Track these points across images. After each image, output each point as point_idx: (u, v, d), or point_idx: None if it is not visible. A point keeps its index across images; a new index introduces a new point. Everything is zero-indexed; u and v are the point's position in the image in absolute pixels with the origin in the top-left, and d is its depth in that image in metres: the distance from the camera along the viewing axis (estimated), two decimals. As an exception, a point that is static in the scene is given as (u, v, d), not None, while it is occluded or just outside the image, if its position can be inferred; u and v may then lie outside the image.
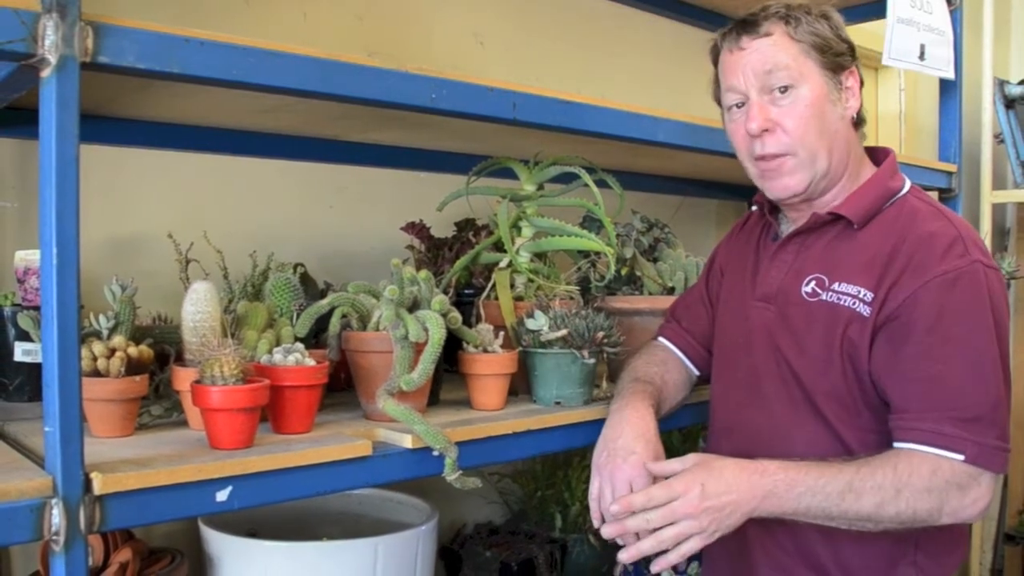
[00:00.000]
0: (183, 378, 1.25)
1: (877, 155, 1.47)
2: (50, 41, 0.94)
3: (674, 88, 2.58)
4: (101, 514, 0.99)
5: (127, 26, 1.01)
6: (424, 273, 1.39)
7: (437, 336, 1.30)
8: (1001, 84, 3.04)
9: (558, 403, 1.52)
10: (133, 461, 1.06)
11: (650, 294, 1.82)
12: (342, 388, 1.58)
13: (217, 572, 1.48)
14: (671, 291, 1.83)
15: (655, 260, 1.89)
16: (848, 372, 1.33)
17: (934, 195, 2.32)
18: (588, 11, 2.51)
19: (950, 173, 2.45)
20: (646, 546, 1.24)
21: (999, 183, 3.11)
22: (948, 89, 2.48)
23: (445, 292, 1.47)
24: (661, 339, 1.65)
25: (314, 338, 1.45)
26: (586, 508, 2.01)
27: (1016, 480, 3.36)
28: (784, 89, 1.35)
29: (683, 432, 2.34)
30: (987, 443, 1.24)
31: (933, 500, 1.23)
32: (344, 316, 1.42)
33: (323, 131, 1.79)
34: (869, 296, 1.32)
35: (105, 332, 1.26)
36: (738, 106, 1.41)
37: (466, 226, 1.91)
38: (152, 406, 1.32)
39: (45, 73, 0.95)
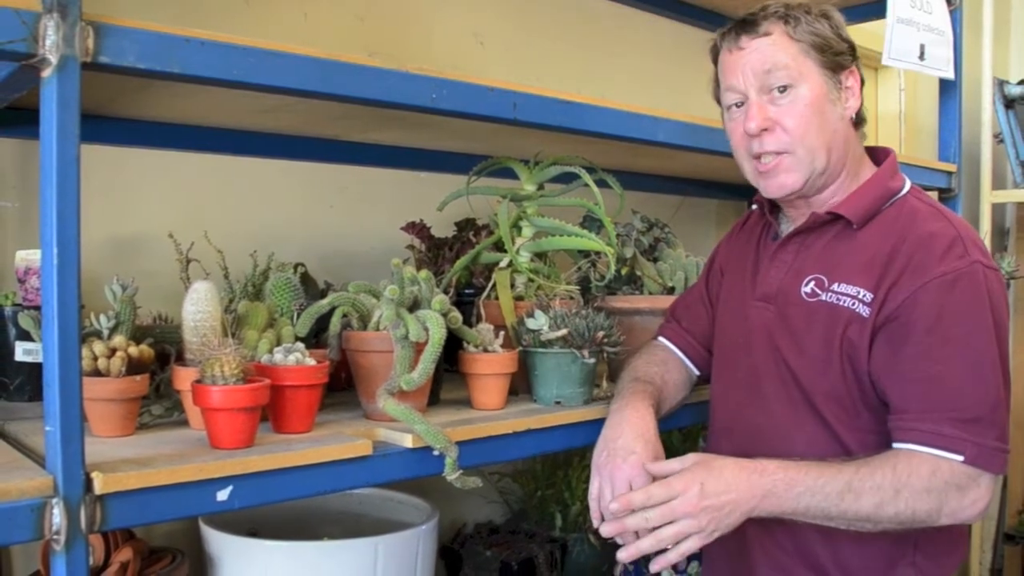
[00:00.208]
0: (184, 378, 1.25)
1: (877, 155, 1.47)
2: (51, 41, 0.94)
3: (674, 88, 2.58)
4: (102, 513, 0.99)
5: (128, 26, 1.01)
6: (424, 273, 1.39)
7: (437, 336, 1.30)
8: (1001, 84, 3.04)
9: (558, 403, 1.52)
10: (134, 461, 1.06)
11: (650, 294, 1.82)
12: (342, 388, 1.58)
13: (218, 572, 1.48)
14: (671, 291, 1.83)
15: (655, 260, 1.89)
16: (847, 373, 1.33)
17: (934, 195, 2.32)
18: (588, 11, 2.51)
19: (950, 173, 2.45)
20: (645, 545, 1.24)
21: (999, 183, 3.12)
22: (948, 89, 2.48)
23: (445, 292, 1.47)
24: (661, 339, 1.65)
25: (314, 338, 1.45)
26: (586, 508, 2.01)
27: (1016, 480, 3.36)
28: (783, 89, 1.35)
29: (683, 432, 2.34)
30: (986, 444, 1.24)
31: (932, 501, 1.23)
32: (344, 316, 1.42)
33: (323, 131, 1.80)
34: (868, 296, 1.32)
35: (106, 332, 1.26)
36: (737, 105, 1.41)
37: (466, 226, 1.92)
38: (153, 406, 1.32)
39: (46, 73, 0.95)
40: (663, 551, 1.25)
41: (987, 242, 2.86)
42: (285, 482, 1.14)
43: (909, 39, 2.22)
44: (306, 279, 1.68)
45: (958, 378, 1.25)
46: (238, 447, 1.15)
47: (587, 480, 1.53)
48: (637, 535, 1.26)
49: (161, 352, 1.34)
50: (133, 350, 1.22)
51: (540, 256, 1.71)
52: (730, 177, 2.51)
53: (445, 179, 1.95)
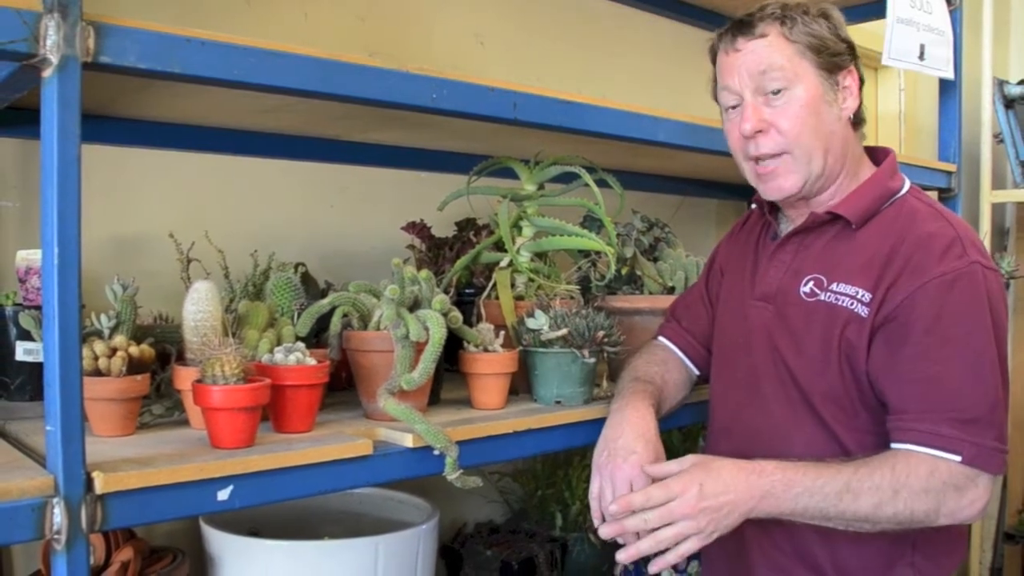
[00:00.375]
0: (184, 377, 1.25)
1: (877, 155, 1.47)
2: (52, 41, 0.94)
3: (674, 88, 2.58)
4: (102, 513, 0.99)
5: (128, 26, 1.01)
6: (425, 273, 1.39)
7: (438, 335, 1.30)
8: (1000, 84, 3.04)
9: (558, 402, 1.52)
10: (134, 460, 1.06)
11: (650, 293, 1.82)
12: (343, 387, 1.59)
13: (218, 571, 1.48)
14: (671, 290, 1.83)
15: (655, 259, 1.89)
16: (845, 373, 1.33)
17: (934, 195, 2.32)
18: (588, 11, 2.51)
19: (950, 173, 2.45)
20: (644, 546, 1.24)
21: (998, 183, 3.11)
22: (948, 89, 2.48)
23: (446, 291, 1.47)
24: (661, 338, 1.65)
25: (315, 337, 1.45)
26: (586, 507, 2.01)
27: (1015, 480, 3.36)
28: (778, 90, 1.35)
29: (683, 431, 2.34)
30: (985, 444, 1.24)
31: (930, 501, 1.23)
32: (345, 315, 1.42)
33: (324, 131, 1.80)
34: (867, 297, 1.32)
35: (106, 331, 1.26)
36: (734, 107, 1.41)
37: (467, 226, 1.92)
38: (153, 405, 1.32)
39: (47, 73, 0.96)
40: (662, 552, 1.25)
41: (987, 242, 2.86)
42: (286, 482, 1.14)
43: (909, 39, 2.22)
44: (307, 279, 1.68)
45: (956, 379, 1.25)
46: (239, 447, 1.15)
47: (587, 480, 1.53)
48: (637, 536, 1.26)
49: (162, 352, 1.34)
50: (134, 350, 1.22)
51: (540, 256, 1.71)
52: (730, 177, 2.50)
53: (445, 179, 1.95)
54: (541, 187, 1.72)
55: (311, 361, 1.28)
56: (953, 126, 2.48)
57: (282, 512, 1.67)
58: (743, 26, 1.39)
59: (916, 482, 1.23)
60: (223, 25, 1.71)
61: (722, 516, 1.23)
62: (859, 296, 1.32)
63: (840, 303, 1.34)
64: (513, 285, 1.65)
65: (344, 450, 1.19)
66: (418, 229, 1.86)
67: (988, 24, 2.97)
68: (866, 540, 1.33)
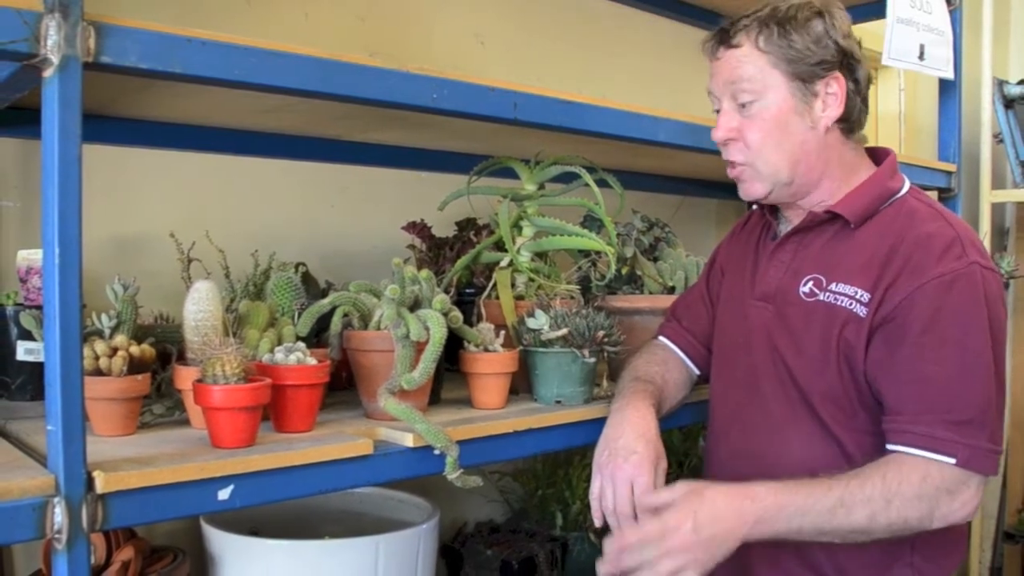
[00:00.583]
0: (185, 377, 1.25)
1: (877, 155, 1.47)
2: (52, 41, 0.94)
3: (674, 88, 2.58)
4: (103, 512, 0.99)
5: (129, 26, 1.01)
6: (425, 272, 1.39)
7: (438, 335, 1.31)
8: (1000, 84, 3.04)
9: (559, 402, 1.52)
10: (135, 460, 1.06)
11: (650, 293, 1.82)
12: (343, 387, 1.59)
13: (219, 571, 1.48)
14: (671, 290, 1.83)
15: (655, 259, 1.89)
16: (844, 373, 1.33)
17: (934, 195, 2.32)
18: (588, 11, 2.51)
19: (949, 173, 2.45)
20: None
21: (998, 183, 3.12)
22: (947, 89, 2.48)
23: (446, 291, 1.47)
24: (661, 338, 1.65)
25: (315, 337, 1.45)
26: (587, 507, 2.01)
27: (1015, 479, 3.36)
28: (748, 101, 1.36)
29: (683, 431, 2.35)
30: (979, 446, 1.24)
31: (924, 507, 1.24)
32: (345, 315, 1.43)
33: (325, 131, 1.80)
34: (866, 297, 1.32)
35: (107, 331, 1.26)
36: (717, 111, 1.43)
37: (467, 225, 1.92)
38: (154, 405, 1.32)
39: (47, 73, 0.96)
40: None
41: (986, 242, 2.86)
42: (286, 481, 1.14)
43: (909, 39, 2.22)
44: (307, 279, 1.68)
45: (952, 380, 1.25)
46: (239, 446, 1.15)
47: (588, 479, 1.53)
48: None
49: (162, 351, 1.35)
50: (135, 349, 1.22)
51: (541, 256, 1.71)
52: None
53: (446, 179, 1.96)
54: (541, 187, 1.72)
55: (312, 361, 1.28)
56: (953, 126, 2.48)
57: (282, 512, 1.67)
58: (723, 34, 1.40)
59: (908, 489, 1.23)
60: (223, 25, 1.72)
61: (717, 545, 1.23)
62: (858, 296, 1.32)
63: (839, 303, 1.34)
64: (513, 285, 1.65)
65: (344, 450, 1.19)
66: (418, 229, 1.86)
67: (988, 24, 2.97)
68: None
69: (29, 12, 0.94)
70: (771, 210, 1.53)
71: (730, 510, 1.24)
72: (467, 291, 1.76)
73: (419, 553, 1.55)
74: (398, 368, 1.31)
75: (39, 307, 1.36)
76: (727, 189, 2.67)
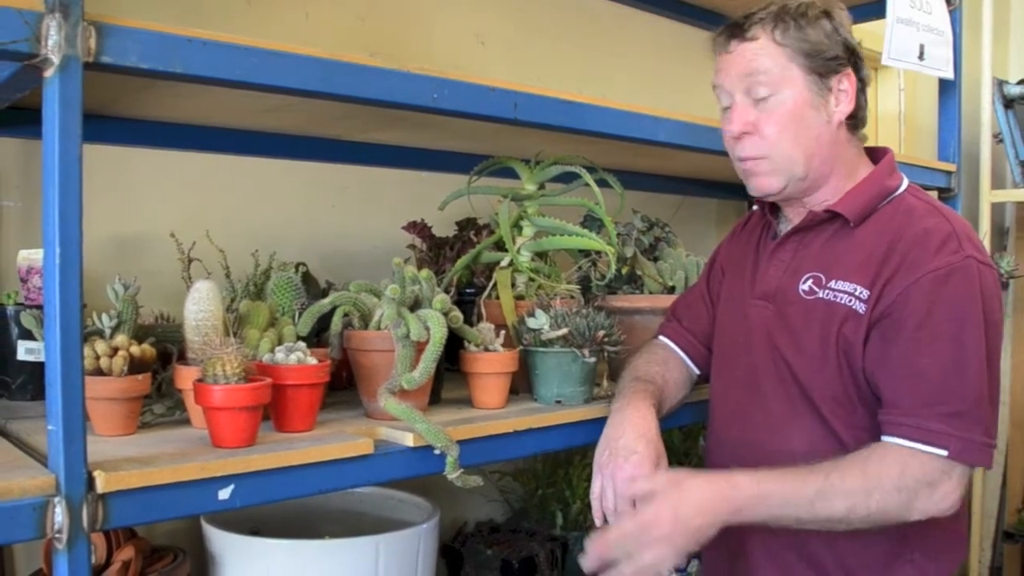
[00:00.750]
0: (185, 377, 1.25)
1: (876, 154, 1.47)
2: (53, 41, 0.95)
3: (674, 88, 2.59)
4: (104, 512, 0.99)
5: (130, 26, 1.01)
6: (425, 272, 1.40)
7: (438, 335, 1.31)
8: (1000, 84, 3.05)
9: (559, 402, 1.52)
10: (136, 459, 1.07)
11: (651, 293, 1.82)
12: (344, 387, 1.59)
13: (219, 570, 1.49)
14: (671, 290, 1.83)
15: (655, 259, 1.89)
16: (844, 369, 1.34)
17: (933, 194, 2.32)
18: (588, 11, 2.51)
19: (949, 172, 2.45)
20: (627, 572, 1.24)
21: (998, 182, 3.12)
22: (947, 89, 2.48)
23: (446, 291, 1.47)
24: (662, 338, 1.65)
25: (316, 337, 1.45)
26: (587, 506, 2.01)
27: (1015, 478, 3.36)
28: (765, 94, 1.36)
29: (683, 431, 2.35)
30: (973, 439, 1.24)
31: (903, 498, 1.24)
32: (346, 315, 1.43)
33: (325, 131, 1.80)
34: (865, 293, 1.32)
35: (108, 331, 1.27)
36: (727, 107, 1.42)
37: (467, 225, 1.92)
38: (154, 405, 1.32)
39: (48, 73, 0.96)
40: None
41: (986, 242, 2.86)
42: (287, 481, 1.15)
43: (909, 39, 2.22)
44: (307, 278, 1.68)
45: (947, 374, 1.25)
46: (240, 446, 1.15)
47: (588, 479, 1.54)
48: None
49: (163, 351, 1.35)
50: (135, 349, 1.22)
51: (541, 255, 1.71)
52: (730, 177, 2.49)
53: (446, 179, 1.96)
54: (541, 187, 1.73)
55: (312, 360, 1.28)
56: (953, 126, 2.48)
57: (283, 511, 1.67)
58: (736, 28, 1.39)
59: (888, 481, 1.23)
60: (224, 25, 1.72)
61: (697, 534, 1.23)
62: (857, 293, 1.33)
63: (838, 300, 1.34)
64: (513, 285, 1.65)
65: (345, 449, 1.19)
66: (419, 229, 1.86)
67: (988, 24, 2.97)
68: (868, 538, 1.33)
69: (30, 12, 0.94)
70: (771, 210, 1.53)
71: (711, 501, 1.24)
72: (467, 291, 1.76)
73: (419, 553, 1.55)
74: (398, 368, 1.31)
75: (40, 307, 1.36)
76: (727, 189, 2.70)
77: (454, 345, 1.45)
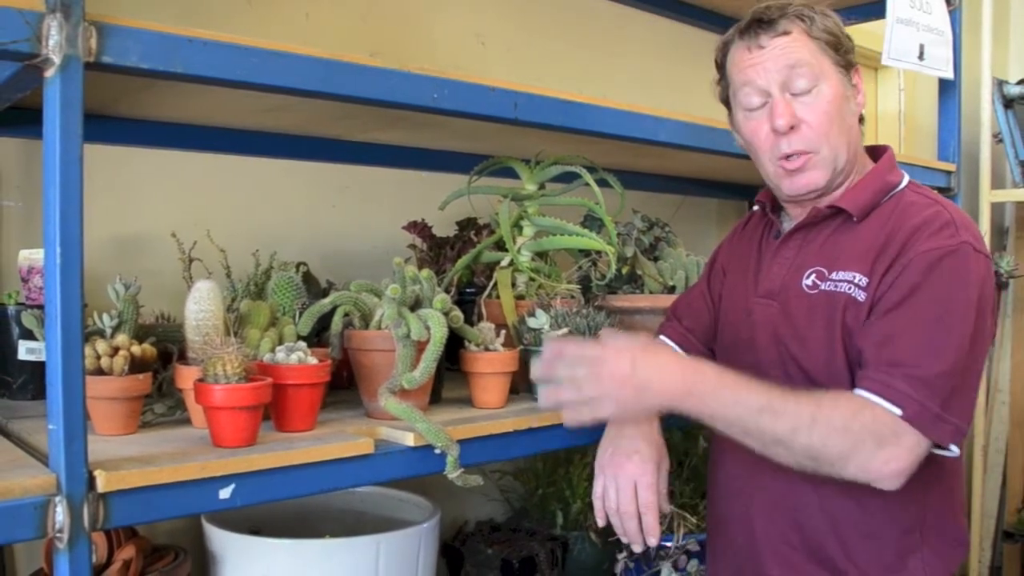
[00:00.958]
0: (186, 376, 1.25)
1: (875, 152, 1.49)
2: (54, 41, 0.95)
3: (675, 88, 2.59)
4: (105, 511, 0.99)
5: (131, 26, 1.01)
6: (426, 272, 1.40)
7: (439, 334, 1.31)
8: (1000, 84, 3.05)
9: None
10: (136, 459, 1.07)
11: (651, 293, 1.83)
12: (344, 386, 1.59)
13: (220, 569, 1.49)
14: (672, 290, 1.84)
15: (656, 259, 1.90)
16: (849, 359, 1.34)
17: (934, 194, 2.33)
18: (588, 11, 2.51)
19: (949, 172, 2.45)
20: (566, 394, 1.22)
21: (998, 182, 3.12)
22: (947, 89, 2.48)
23: (447, 291, 1.47)
24: (662, 337, 1.65)
25: (316, 337, 1.45)
26: (587, 506, 2.01)
27: (1015, 478, 3.36)
28: (806, 87, 1.35)
29: (684, 431, 2.34)
30: (930, 408, 1.21)
31: (846, 442, 1.20)
32: (346, 315, 1.43)
33: (326, 131, 1.80)
34: (864, 281, 1.32)
35: (108, 331, 1.27)
36: (758, 107, 1.40)
37: (468, 225, 1.92)
38: (155, 404, 1.33)
39: (49, 73, 0.96)
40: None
41: (986, 241, 2.86)
42: (287, 480, 1.15)
43: (909, 39, 2.22)
44: (308, 278, 1.68)
45: (924, 342, 1.24)
46: (240, 445, 1.15)
47: (588, 478, 1.54)
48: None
49: (164, 351, 1.35)
50: (136, 349, 1.22)
51: (541, 255, 1.72)
52: (730, 177, 2.52)
53: (447, 179, 1.96)
54: (542, 187, 1.73)
55: (312, 360, 1.28)
56: (952, 126, 2.48)
57: (283, 510, 1.67)
58: (764, 24, 1.38)
59: (838, 419, 1.20)
60: (225, 25, 1.72)
61: (645, 393, 1.21)
62: (856, 280, 1.33)
63: (839, 289, 1.34)
64: (514, 284, 1.65)
65: (345, 449, 1.20)
66: (419, 228, 1.86)
67: (988, 24, 2.97)
68: (877, 534, 1.33)
69: (31, 12, 0.94)
70: (773, 208, 1.53)
71: (672, 368, 1.23)
72: (468, 291, 1.76)
73: (420, 552, 1.56)
74: (399, 367, 1.31)
75: (41, 306, 1.36)
76: (727, 189, 2.70)
77: (454, 345, 1.45)
